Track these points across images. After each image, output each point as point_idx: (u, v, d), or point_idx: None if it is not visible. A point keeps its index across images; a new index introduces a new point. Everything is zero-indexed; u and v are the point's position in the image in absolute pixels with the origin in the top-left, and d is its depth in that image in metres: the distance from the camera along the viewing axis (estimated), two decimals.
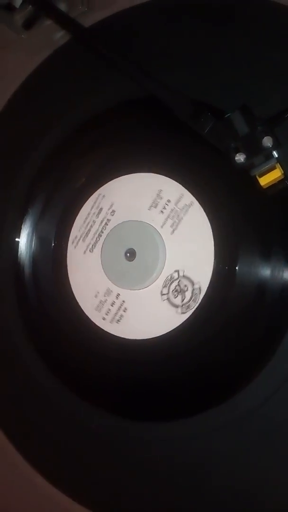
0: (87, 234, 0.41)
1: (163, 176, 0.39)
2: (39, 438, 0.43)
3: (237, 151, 0.35)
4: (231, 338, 0.37)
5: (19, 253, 0.43)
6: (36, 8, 0.44)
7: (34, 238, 0.43)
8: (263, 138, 0.34)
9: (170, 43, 0.40)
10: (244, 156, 0.35)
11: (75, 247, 0.41)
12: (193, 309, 0.38)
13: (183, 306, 0.38)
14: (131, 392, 0.40)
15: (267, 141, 0.34)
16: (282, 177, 0.35)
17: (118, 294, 0.40)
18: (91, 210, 0.41)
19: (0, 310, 0.43)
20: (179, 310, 0.38)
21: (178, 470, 0.38)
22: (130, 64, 0.39)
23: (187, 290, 0.38)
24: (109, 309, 0.40)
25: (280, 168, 0.35)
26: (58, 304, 0.41)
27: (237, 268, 0.37)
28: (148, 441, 0.39)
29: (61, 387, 0.41)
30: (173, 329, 0.38)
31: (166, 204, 0.39)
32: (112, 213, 0.40)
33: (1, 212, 0.44)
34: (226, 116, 0.35)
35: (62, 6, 0.45)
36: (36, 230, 0.43)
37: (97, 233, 0.41)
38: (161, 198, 0.39)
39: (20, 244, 0.43)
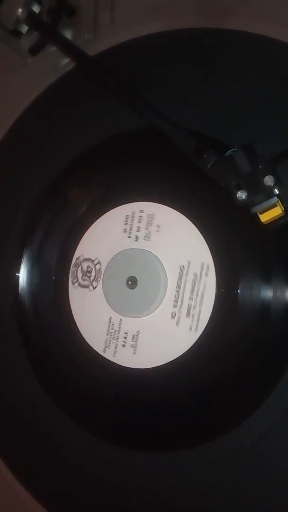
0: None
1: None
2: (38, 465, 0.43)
3: (239, 188, 0.35)
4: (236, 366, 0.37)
5: (19, 287, 0.43)
6: (41, 35, 0.45)
7: (34, 272, 0.43)
8: (265, 177, 0.35)
9: (175, 75, 0.40)
10: (246, 194, 0.35)
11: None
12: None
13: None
14: (132, 421, 0.40)
15: (269, 180, 0.35)
16: (283, 214, 0.36)
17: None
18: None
19: (3, 345, 0.43)
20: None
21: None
22: (134, 96, 0.39)
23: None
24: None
25: (281, 205, 0.36)
26: (60, 335, 0.42)
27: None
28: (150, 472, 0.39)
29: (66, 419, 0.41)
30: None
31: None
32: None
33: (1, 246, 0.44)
34: (228, 153, 0.36)
35: (68, 34, 0.45)
36: (36, 263, 0.43)
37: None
38: None
39: (20, 278, 0.43)
